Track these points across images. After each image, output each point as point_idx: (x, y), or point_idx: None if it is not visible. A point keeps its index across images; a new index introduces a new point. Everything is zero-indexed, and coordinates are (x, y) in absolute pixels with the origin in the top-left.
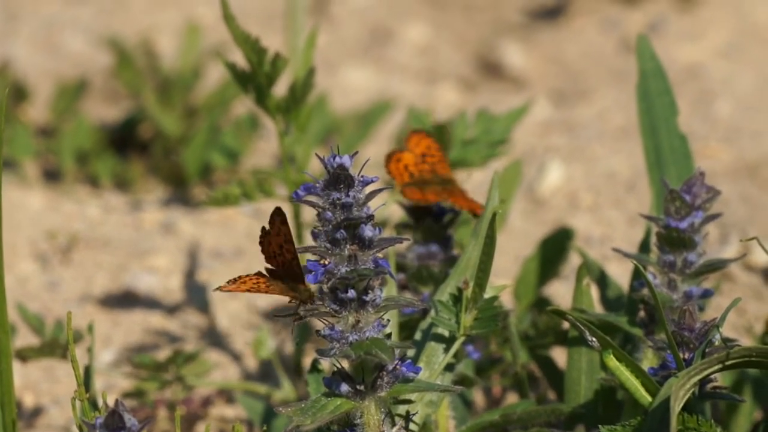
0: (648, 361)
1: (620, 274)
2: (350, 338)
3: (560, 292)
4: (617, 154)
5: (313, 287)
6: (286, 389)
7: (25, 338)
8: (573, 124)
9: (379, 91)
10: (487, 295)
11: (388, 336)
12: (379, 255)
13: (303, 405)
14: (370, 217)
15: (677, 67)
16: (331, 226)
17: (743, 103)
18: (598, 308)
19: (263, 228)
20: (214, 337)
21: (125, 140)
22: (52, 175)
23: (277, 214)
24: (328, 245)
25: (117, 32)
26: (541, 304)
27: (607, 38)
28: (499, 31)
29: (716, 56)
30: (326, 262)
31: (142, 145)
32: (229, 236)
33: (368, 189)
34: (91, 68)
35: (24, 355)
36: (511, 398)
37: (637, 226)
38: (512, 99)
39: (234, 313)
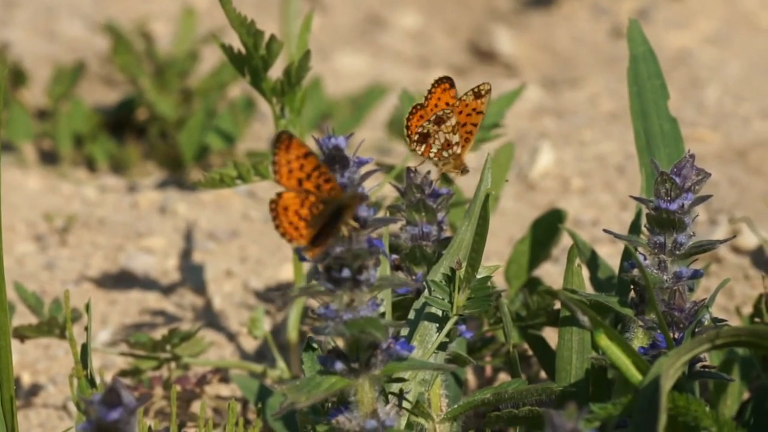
0: (638, 340)
1: (610, 255)
2: (345, 317)
3: (551, 273)
4: (607, 138)
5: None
6: (281, 368)
7: (23, 317)
8: (564, 109)
9: (372, 77)
10: (479, 275)
11: (382, 315)
12: (374, 235)
13: (298, 383)
14: (365, 197)
15: (667, 53)
16: None
17: (731, 89)
18: (588, 289)
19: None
20: (210, 317)
21: (122, 123)
22: (49, 158)
23: None
24: None
25: (113, 18)
26: (532, 285)
27: (597, 25)
28: (491, 17)
29: (705, 43)
30: None
31: (138, 128)
32: (224, 217)
33: (363, 170)
34: (88, 53)
35: (22, 334)
36: (503, 377)
37: (627, 209)
38: (504, 84)
39: (229, 293)
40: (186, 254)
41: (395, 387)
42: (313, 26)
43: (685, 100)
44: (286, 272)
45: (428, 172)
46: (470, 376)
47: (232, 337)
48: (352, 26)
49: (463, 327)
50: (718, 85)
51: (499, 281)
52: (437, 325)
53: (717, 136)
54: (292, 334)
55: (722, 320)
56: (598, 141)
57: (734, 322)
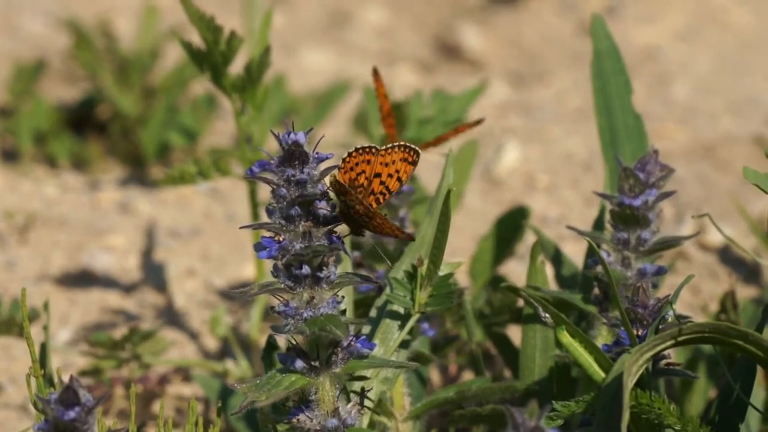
0: (602, 338)
1: (575, 253)
2: (305, 314)
3: (516, 270)
4: (574, 135)
5: None
6: (242, 367)
7: None
8: (530, 106)
9: (337, 73)
10: (441, 272)
11: (343, 312)
12: (334, 232)
13: (258, 381)
14: (325, 194)
15: (635, 49)
16: (285, 203)
17: (700, 85)
18: (552, 286)
19: None
20: (171, 316)
21: (83, 121)
22: (9, 156)
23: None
24: (283, 222)
25: (75, 14)
26: (496, 282)
27: (564, 21)
28: (458, 13)
29: (673, 39)
30: (281, 239)
31: (100, 125)
32: (186, 215)
33: (323, 166)
34: (50, 49)
35: None
36: (467, 376)
37: (593, 206)
38: (470, 81)
39: (191, 291)
40: (147, 253)
41: (357, 385)
42: (278, 22)
43: (653, 96)
44: (248, 270)
45: None
46: (434, 375)
47: (193, 335)
48: (318, 22)
49: (425, 325)
50: (686, 81)
51: (463, 278)
52: (399, 322)
53: (685, 132)
54: (254, 332)
55: (686, 317)
56: (564, 138)
57: (700, 319)
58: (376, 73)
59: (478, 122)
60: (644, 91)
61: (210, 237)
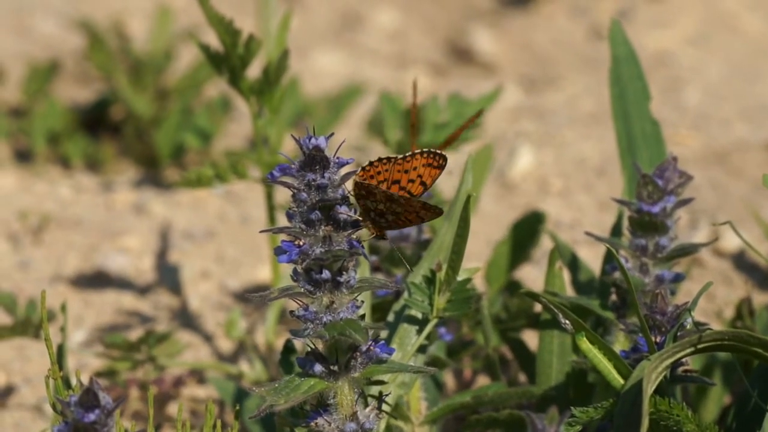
0: (620, 344)
1: (590, 258)
2: (324, 319)
3: (531, 275)
4: (587, 139)
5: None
6: (257, 370)
7: None
8: (543, 110)
9: (349, 76)
10: (460, 277)
11: (362, 317)
12: (354, 236)
13: (276, 385)
14: (345, 198)
15: (646, 54)
16: (305, 207)
17: (712, 90)
18: (569, 292)
19: None
20: (186, 318)
21: (97, 122)
22: (23, 156)
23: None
24: (303, 226)
25: (88, 15)
26: (512, 287)
27: (576, 25)
28: (470, 16)
29: (685, 44)
30: (301, 243)
31: (113, 126)
32: (200, 217)
33: (343, 170)
34: (63, 50)
35: None
36: (483, 381)
37: (607, 211)
38: (482, 84)
39: (205, 293)
40: (162, 254)
41: (375, 390)
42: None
43: (666, 101)
44: (263, 273)
45: None
46: (449, 379)
47: (208, 338)
48: (330, 24)
49: (442, 329)
50: (698, 87)
51: (478, 283)
52: (417, 327)
53: (698, 138)
54: (269, 335)
55: (704, 324)
56: (577, 142)
57: (715, 325)
58: (414, 86)
59: (480, 114)
60: (656, 97)
61: (224, 239)
